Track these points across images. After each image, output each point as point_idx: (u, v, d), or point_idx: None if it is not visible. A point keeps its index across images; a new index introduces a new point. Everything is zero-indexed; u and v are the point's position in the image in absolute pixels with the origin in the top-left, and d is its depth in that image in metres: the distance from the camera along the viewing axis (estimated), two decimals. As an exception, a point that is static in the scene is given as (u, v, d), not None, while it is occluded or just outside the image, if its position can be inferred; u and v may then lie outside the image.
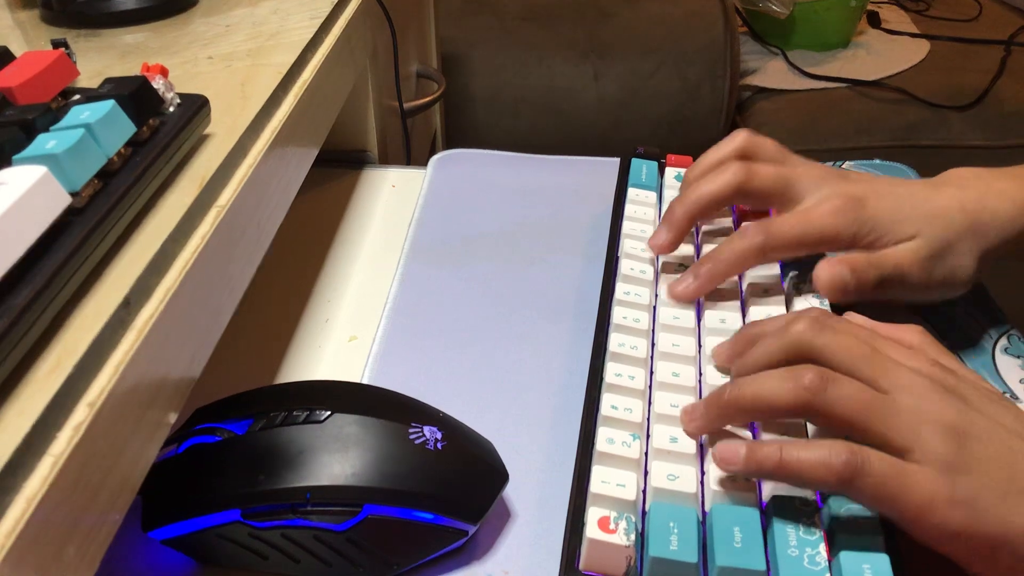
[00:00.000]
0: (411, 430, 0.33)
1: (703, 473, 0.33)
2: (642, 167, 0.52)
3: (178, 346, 0.30)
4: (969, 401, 0.30)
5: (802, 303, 0.40)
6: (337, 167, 0.62)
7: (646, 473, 0.33)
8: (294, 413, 0.33)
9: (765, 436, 0.33)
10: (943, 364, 0.32)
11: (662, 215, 0.44)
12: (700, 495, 0.32)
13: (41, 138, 0.28)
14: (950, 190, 0.41)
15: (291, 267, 0.52)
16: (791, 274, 0.42)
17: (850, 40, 1.43)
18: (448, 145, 1.03)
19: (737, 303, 0.42)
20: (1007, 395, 0.41)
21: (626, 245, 0.45)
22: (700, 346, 0.39)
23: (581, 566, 0.31)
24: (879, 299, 0.40)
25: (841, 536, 0.30)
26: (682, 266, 0.44)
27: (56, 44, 0.40)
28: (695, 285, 0.41)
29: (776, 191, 0.41)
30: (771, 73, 1.37)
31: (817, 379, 0.30)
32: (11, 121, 0.30)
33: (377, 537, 0.32)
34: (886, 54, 1.39)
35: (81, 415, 0.24)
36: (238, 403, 0.35)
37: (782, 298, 0.41)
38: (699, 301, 0.42)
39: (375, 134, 0.63)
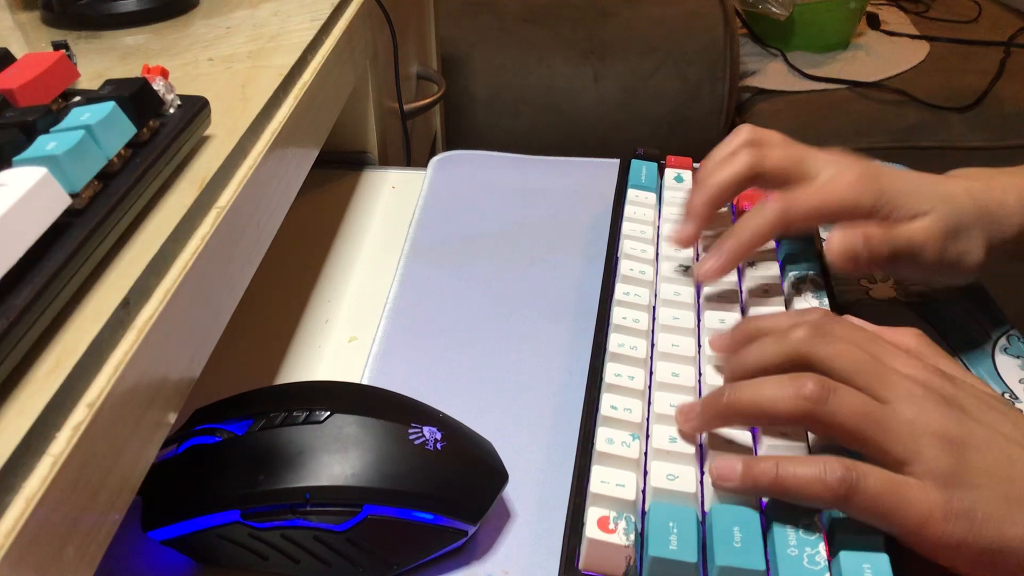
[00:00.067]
0: (411, 430, 0.33)
1: (702, 473, 0.33)
2: (642, 168, 0.52)
3: (178, 346, 0.30)
4: (968, 410, 0.30)
5: (802, 303, 0.40)
6: (337, 168, 0.62)
7: (645, 473, 0.34)
8: (294, 413, 0.33)
9: (765, 440, 0.33)
10: (942, 371, 0.32)
11: (684, 210, 0.43)
12: (700, 495, 0.32)
13: (41, 139, 0.28)
14: (959, 180, 0.41)
15: (291, 268, 0.52)
16: (791, 274, 0.42)
17: (850, 42, 1.43)
18: (448, 146, 1.03)
19: (737, 304, 0.42)
20: (1007, 395, 0.41)
21: (626, 246, 0.45)
22: (700, 346, 0.40)
23: (581, 566, 0.31)
24: (883, 290, 0.39)
25: (841, 536, 0.30)
26: (682, 266, 0.44)
27: (57, 46, 0.40)
28: (720, 262, 0.41)
29: (790, 170, 0.41)
30: (771, 74, 1.37)
31: (818, 389, 0.30)
32: (11, 123, 0.30)
33: (377, 537, 0.32)
34: (886, 55, 1.39)
35: (81, 415, 0.24)
36: (238, 403, 0.35)
37: (782, 298, 0.41)
38: (698, 301, 0.42)
39: (375, 135, 0.63)
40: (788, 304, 0.41)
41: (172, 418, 0.29)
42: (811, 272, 0.42)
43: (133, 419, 0.26)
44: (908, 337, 0.34)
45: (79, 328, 0.26)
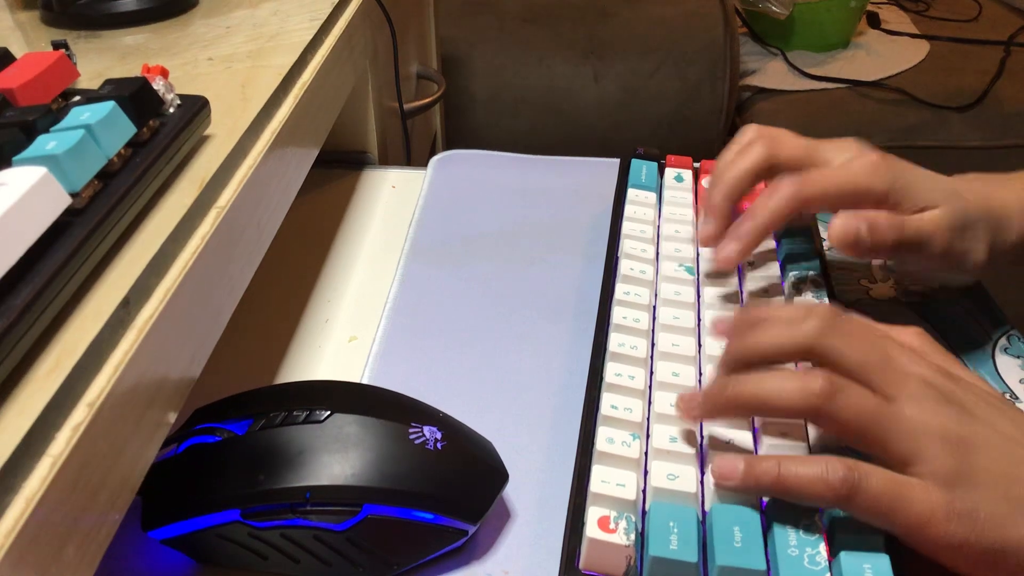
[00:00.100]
0: (411, 430, 0.33)
1: (703, 473, 0.33)
2: (642, 168, 0.52)
3: (178, 346, 0.30)
4: (972, 410, 0.30)
5: (802, 303, 0.40)
6: (337, 168, 0.62)
7: (646, 473, 0.33)
8: (294, 413, 0.33)
9: (766, 440, 0.33)
10: (947, 370, 0.32)
11: (704, 210, 0.43)
12: (700, 495, 0.32)
13: (41, 139, 0.28)
14: (964, 182, 0.41)
15: (291, 267, 0.52)
16: (791, 274, 0.42)
17: (850, 41, 1.43)
18: (448, 146, 1.03)
19: (737, 304, 0.42)
20: (1007, 395, 0.41)
21: (626, 245, 0.45)
22: (700, 346, 0.39)
23: (581, 566, 0.31)
24: (883, 289, 0.39)
25: (841, 536, 0.30)
26: (683, 267, 0.44)
27: (56, 45, 0.40)
28: (739, 246, 0.40)
29: (805, 159, 0.41)
30: (771, 74, 1.37)
31: (826, 386, 0.30)
32: (11, 122, 0.30)
33: (377, 537, 0.32)
34: (886, 55, 1.39)
35: (80, 415, 0.24)
36: (238, 403, 0.35)
37: (782, 298, 0.41)
38: (698, 300, 0.42)
39: (375, 135, 0.63)
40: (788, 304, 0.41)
41: (172, 418, 0.29)
42: (811, 272, 0.42)
43: (133, 419, 0.26)
44: (911, 336, 0.34)
45: (79, 328, 0.26)
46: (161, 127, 0.33)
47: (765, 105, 1.31)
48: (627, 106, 1.27)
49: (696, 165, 0.53)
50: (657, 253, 0.45)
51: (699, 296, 0.42)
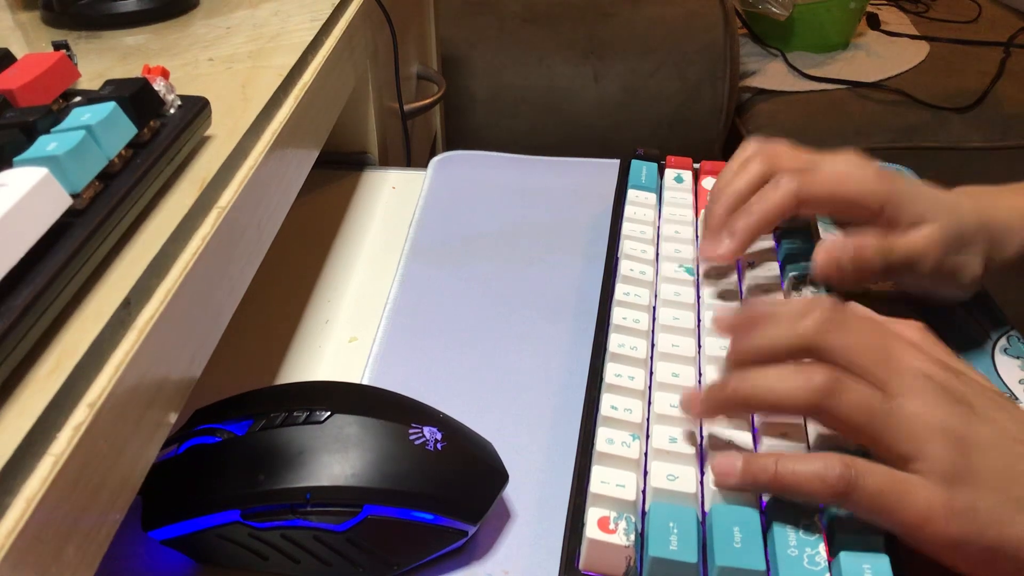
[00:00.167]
0: (411, 430, 0.33)
1: (703, 473, 0.33)
2: (642, 168, 0.52)
3: (178, 347, 0.30)
4: (974, 407, 0.30)
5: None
6: (337, 169, 0.62)
7: (646, 473, 0.34)
8: (294, 414, 0.33)
9: (765, 440, 0.33)
10: (949, 364, 0.32)
11: (704, 225, 0.43)
12: (700, 495, 0.33)
13: (42, 140, 0.29)
14: (963, 196, 0.41)
15: (291, 268, 0.52)
16: (791, 274, 0.42)
17: (849, 42, 1.43)
18: (448, 146, 1.03)
19: (737, 303, 0.42)
20: (1007, 396, 0.41)
21: (626, 246, 0.45)
22: (700, 347, 0.40)
23: (581, 566, 0.31)
24: (882, 286, 0.40)
25: (841, 536, 0.30)
26: (683, 267, 0.44)
27: (57, 46, 0.40)
28: (734, 243, 0.41)
29: (802, 165, 0.41)
30: (771, 75, 1.37)
31: (827, 382, 0.30)
32: (12, 123, 0.30)
33: (377, 537, 0.32)
34: (886, 56, 1.39)
35: (81, 415, 0.24)
36: (238, 404, 0.35)
37: (782, 298, 0.41)
38: (698, 301, 0.42)
39: (375, 136, 0.63)
40: (788, 304, 0.41)
41: (172, 418, 0.29)
42: (811, 272, 0.42)
43: (134, 419, 0.26)
44: (912, 330, 0.34)
45: (80, 328, 0.26)
46: (162, 128, 0.33)
47: (765, 106, 1.31)
48: (627, 106, 1.27)
49: (696, 166, 0.53)
50: (657, 254, 0.45)
51: (699, 297, 0.43)
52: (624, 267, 0.43)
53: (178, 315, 0.29)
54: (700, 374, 0.38)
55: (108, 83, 0.34)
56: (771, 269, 0.43)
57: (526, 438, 0.39)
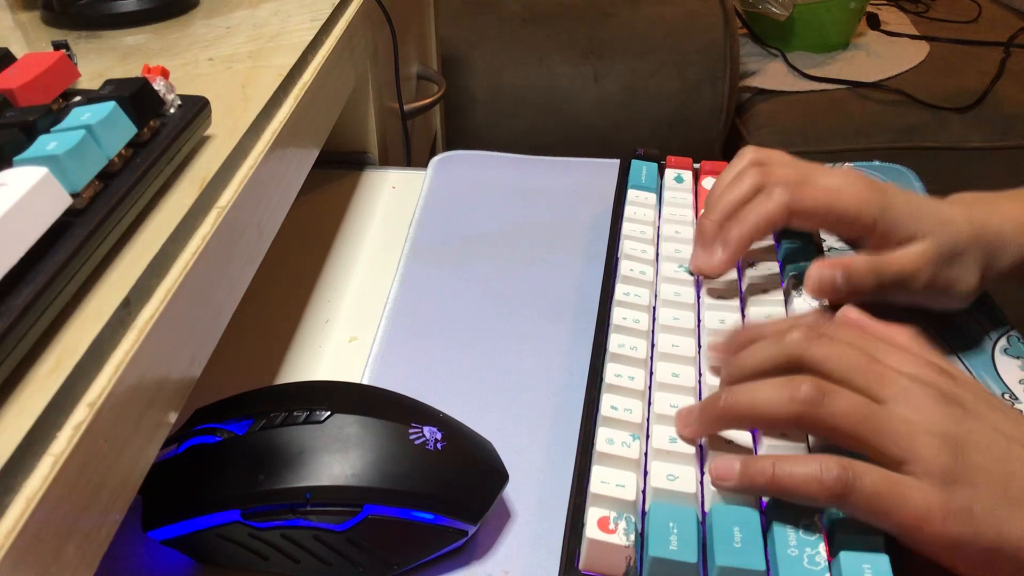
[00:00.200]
0: (411, 430, 0.33)
1: (703, 473, 0.33)
2: (642, 168, 0.52)
3: (178, 346, 0.30)
4: (967, 408, 0.30)
5: (801, 302, 0.40)
6: (337, 168, 0.62)
7: (646, 473, 0.34)
8: (294, 413, 0.33)
9: (765, 441, 0.33)
10: (940, 366, 0.32)
11: (698, 235, 0.43)
12: (700, 495, 0.33)
13: (42, 139, 0.29)
14: (958, 206, 0.41)
15: (291, 268, 0.52)
16: (791, 274, 0.42)
17: (849, 42, 1.43)
18: (448, 146, 1.03)
19: (736, 303, 0.42)
20: (1006, 396, 0.41)
21: (626, 246, 0.45)
22: (700, 347, 0.40)
23: (581, 566, 0.31)
24: (877, 301, 0.40)
25: (841, 536, 0.30)
26: (683, 267, 0.44)
27: (57, 46, 0.40)
28: (727, 253, 0.41)
29: (796, 178, 0.42)
30: (771, 75, 1.37)
31: (813, 392, 0.30)
32: (12, 122, 0.30)
33: (377, 537, 0.32)
34: (886, 56, 1.39)
35: (81, 415, 0.24)
36: (238, 403, 0.35)
37: (782, 298, 0.41)
38: (698, 301, 0.42)
39: (375, 135, 0.63)
40: (787, 303, 0.41)
41: (172, 418, 0.29)
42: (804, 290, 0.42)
43: (134, 419, 0.26)
44: (903, 335, 0.34)
45: (80, 328, 0.26)
46: (162, 127, 0.33)
47: (765, 106, 1.31)
48: (627, 106, 1.27)
49: (696, 166, 0.53)
50: (657, 254, 0.45)
51: (699, 297, 0.43)
52: (624, 267, 0.43)
53: (178, 315, 0.29)
54: (700, 374, 0.38)
55: (108, 83, 0.34)
56: (771, 268, 0.43)
57: (526, 438, 0.39)
